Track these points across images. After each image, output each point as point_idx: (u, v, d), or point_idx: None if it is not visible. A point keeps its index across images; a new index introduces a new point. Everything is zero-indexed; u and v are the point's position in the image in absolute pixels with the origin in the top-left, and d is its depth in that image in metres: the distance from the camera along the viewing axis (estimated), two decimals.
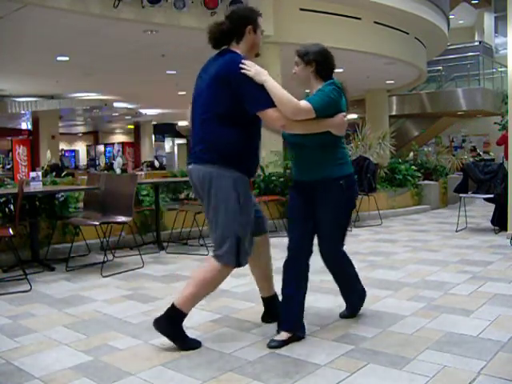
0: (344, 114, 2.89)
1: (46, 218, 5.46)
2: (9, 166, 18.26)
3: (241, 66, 2.71)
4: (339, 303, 3.61)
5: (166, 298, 3.84)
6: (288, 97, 2.72)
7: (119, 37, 8.46)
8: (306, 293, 2.99)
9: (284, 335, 2.89)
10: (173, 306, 2.84)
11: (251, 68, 2.71)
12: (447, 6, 12.52)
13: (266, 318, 3.23)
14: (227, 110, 2.78)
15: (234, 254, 2.81)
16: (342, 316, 3.34)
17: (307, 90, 3.08)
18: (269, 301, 3.23)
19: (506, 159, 10.29)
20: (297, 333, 2.93)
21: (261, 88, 2.71)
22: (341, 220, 3.01)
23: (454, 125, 19.29)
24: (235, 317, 3.38)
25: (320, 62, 2.95)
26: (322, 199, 2.95)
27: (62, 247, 5.52)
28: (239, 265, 2.85)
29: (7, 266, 4.87)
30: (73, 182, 7.64)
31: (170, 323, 2.85)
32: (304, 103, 2.77)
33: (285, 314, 2.96)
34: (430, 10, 10.81)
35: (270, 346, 2.84)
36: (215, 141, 2.80)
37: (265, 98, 2.72)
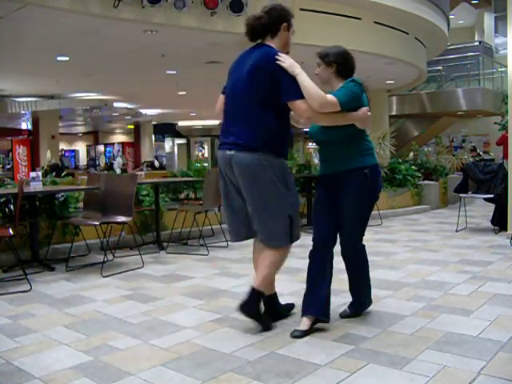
0: (367, 108, 3.04)
1: (46, 218, 5.46)
2: (9, 166, 18.26)
3: (276, 57, 2.91)
4: (339, 303, 3.61)
5: (166, 298, 3.85)
6: (317, 90, 2.86)
7: (119, 37, 8.46)
8: (331, 280, 3.12)
9: (306, 323, 3.01)
10: (254, 289, 3.02)
11: (286, 60, 2.91)
12: (447, 6, 12.52)
13: (265, 316, 3.22)
14: (269, 98, 2.94)
15: (288, 235, 3.02)
16: (343, 316, 3.34)
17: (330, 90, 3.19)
18: (269, 299, 3.25)
19: (506, 159, 10.29)
20: (321, 317, 3.03)
21: (293, 80, 2.89)
22: (362, 211, 3.11)
23: (453, 125, 19.29)
24: (235, 317, 3.38)
25: (340, 63, 3.12)
26: (345, 188, 3.06)
27: (62, 247, 5.52)
28: (292, 242, 3.07)
29: (7, 266, 4.87)
30: (73, 182, 7.64)
31: (254, 303, 3.03)
32: (330, 97, 2.91)
33: (309, 300, 3.07)
34: (430, 9, 10.81)
35: (293, 336, 2.96)
36: (260, 129, 2.96)
37: (295, 90, 2.88)
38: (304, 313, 3.05)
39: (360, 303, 3.35)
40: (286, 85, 2.90)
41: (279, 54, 2.94)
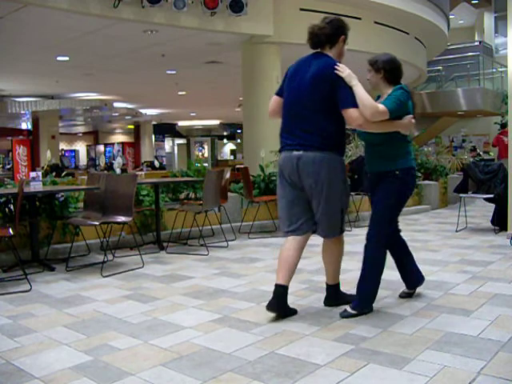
0: (411, 116, 3.30)
1: (46, 217, 5.46)
2: (9, 166, 18.25)
3: (336, 67, 3.18)
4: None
5: (166, 298, 3.85)
6: (370, 100, 3.13)
7: (119, 37, 8.47)
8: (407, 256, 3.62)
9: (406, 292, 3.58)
10: (328, 285, 3.58)
11: (344, 71, 3.17)
12: (447, 6, 12.52)
13: (327, 302, 3.62)
14: (329, 105, 3.22)
15: (339, 227, 3.39)
16: (403, 296, 3.73)
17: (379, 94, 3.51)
18: (330, 288, 3.62)
19: (501, 159, 10.31)
20: (365, 310, 3.37)
21: (349, 89, 3.15)
22: (388, 209, 3.37)
23: (453, 125, 19.29)
24: (235, 317, 3.38)
25: (388, 69, 3.36)
26: (379, 188, 3.38)
27: (62, 247, 5.52)
28: (342, 232, 3.42)
29: (7, 266, 4.87)
30: (73, 182, 7.64)
31: (339, 295, 3.58)
32: (382, 106, 3.15)
33: (403, 277, 3.61)
34: (430, 9, 10.82)
35: (342, 316, 3.31)
36: (324, 131, 3.25)
37: (350, 99, 3.15)
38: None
39: (412, 280, 3.71)
40: (342, 93, 3.17)
41: (338, 64, 3.20)
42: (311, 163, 3.23)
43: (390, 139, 3.32)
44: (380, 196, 3.37)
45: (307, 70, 3.30)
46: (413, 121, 3.29)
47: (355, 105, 3.13)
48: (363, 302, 3.39)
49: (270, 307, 3.31)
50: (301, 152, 3.26)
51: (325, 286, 3.67)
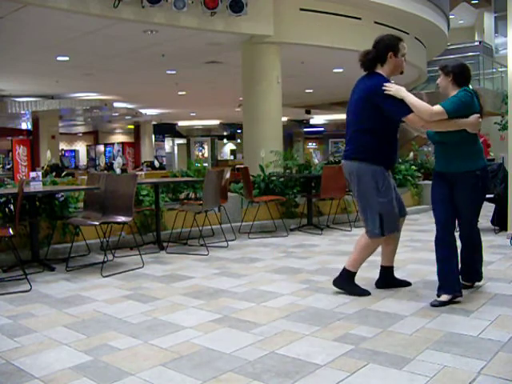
0: (477, 115, 3.49)
1: (46, 217, 5.46)
2: (9, 166, 18.25)
3: (383, 87, 3.54)
4: (339, 303, 3.62)
5: (166, 298, 3.85)
6: (423, 104, 3.48)
7: (119, 37, 8.47)
8: (458, 260, 3.64)
9: (445, 297, 3.53)
10: (344, 268, 3.85)
11: (392, 87, 3.54)
12: (447, 6, 12.52)
13: (379, 284, 3.99)
14: (369, 122, 3.67)
15: (378, 227, 3.71)
16: (471, 286, 3.87)
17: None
18: (385, 269, 3.99)
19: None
20: (456, 294, 3.53)
21: (400, 101, 3.51)
22: (476, 205, 3.66)
23: None
24: (235, 317, 3.38)
25: (456, 73, 3.60)
26: (460, 188, 3.58)
27: (62, 247, 5.52)
28: (383, 235, 3.74)
29: (7, 266, 4.87)
30: (73, 182, 7.63)
31: (345, 281, 3.85)
32: (437, 107, 3.45)
33: (443, 280, 3.59)
34: (430, 9, 10.82)
35: (432, 305, 3.49)
36: (359, 145, 3.73)
37: (406, 108, 3.50)
38: (442, 292, 3.57)
39: (478, 271, 3.88)
40: (396, 106, 3.53)
41: (385, 84, 3.56)
42: (346, 170, 3.84)
43: (463, 139, 3.54)
44: (468, 202, 3.62)
45: (358, 90, 3.77)
46: (479, 120, 3.51)
47: (410, 111, 3.49)
48: (480, 269, 3.86)
49: (336, 284, 3.91)
50: (343, 161, 3.88)
51: (324, 286, 3.76)
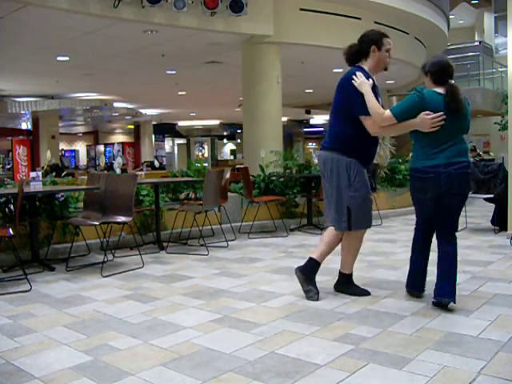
0: (426, 112, 3.33)
1: (46, 217, 5.46)
2: (9, 166, 18.24)
3: (353, 77, 3.50)
4: (339, 303, 3.62)
5: (166, 298, 3.85)
6: (376, 109, 3.43)
7: (119, 37, 8.47)
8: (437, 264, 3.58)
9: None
10: (341, 273, 3.88)
11: (358, 79, 3.48)
12: (447, 6, 12.52)
13: (336, 287, 3.95)
14: (343, 112, 3.61)
15: (346, 221, 3.63)
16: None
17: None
18: (340, 274, 3.95)
19: None
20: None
21: (362, 98, 3.44)
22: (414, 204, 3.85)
23: None
24: (235, 317, 3.38)
25: (433, 72, 3.47)
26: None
27: (62, 247, 5.52)
28: (350, 229, 3.65)
29: (7, 266, 4.87)
30: (73, 182, 7.63)
31: (346, 285, 3.87)
32: (386, 112, 3.43)
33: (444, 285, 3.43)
34: (430, 9, 10.82)
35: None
36: (336, 136, 3.68)
37: (363, 107, 3.46)
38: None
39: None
40: (355, 102, 3.51)
41: (356, 73, 3.51)
42: (322, 161, 3.76)
43: (415, 139, 3.57)
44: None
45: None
46: (426, 117, 3.34)
47: (368, 113, 3.45)
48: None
49: (338, 289, 3.92)
50: (321, 152, 3.79)
51: (324, 286, 3.77)
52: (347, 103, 3.57)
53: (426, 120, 3.34)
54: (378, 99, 3.52)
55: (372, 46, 3.67)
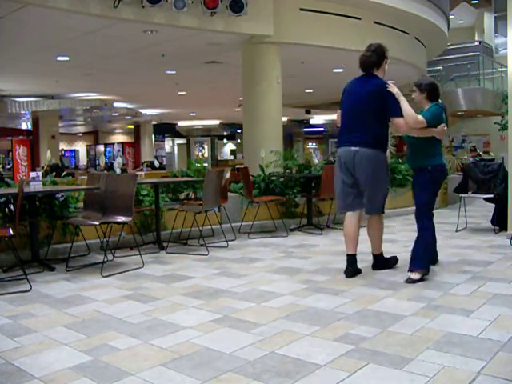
0: (444, 124, 4.30)
1: (46, 217, 5.46)
2: (9, 166, 18.24)
3: (387, 86, 4.26)
4: (339, 303, 3.62)
5: (166, 298, 3.85)
6: (412, 112, 4.18)
7: (119, 37, 8.47)
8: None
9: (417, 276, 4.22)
10: (374, 254, 4.63)
11: (394, 89, 4.26)
12: (447, 6, 12.52)
13: (375, 267, 4.62)
14: (382, 115, 4.30)
15: (383, 206, 4.53)
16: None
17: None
18: (375, 256, 4.65)
19: None
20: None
21: (397, 103, 4.21)
22: (426, 196, 4.43)
23: (454, 125, 19.28)
24: (235, 317, 3.38)
25: (429, 90, 4.39)
26: (416, 180, 4.50)
27: (62, 247, 5.52)
28: (383, 212, 4.57)
29: (7, 266, 4.87)
30: (73, 182, 7.63)
31: (382, 263, 4.64)
32: (420, 117, 4.22)
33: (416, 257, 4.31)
34: (430, 9, 10.82)
35: (407, 281, 4.16)
36: (375, 133, 4.32)
37: (398, 110, 4.20)
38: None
39: (420, 263, 4.32)
40: (393, 106, 4.22)
41: (389, 83, 4.29)
42: (365, 158, 4.28)
43: (427, 142, 4.32)
44: (417, 192, 4.47)
45: (363, 87, 4.35)
46: (445, 128, 4.31)
47: (401, 115, 4.17)
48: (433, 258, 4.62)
49: (348, 274, 4.38)
50: (357, 148, 4.29)
51: (324, 286, 3.75)
52: (384, 107, 4.26)
53: (444, 130, 4.32)
54: None
55: (385, 59, 4.43)
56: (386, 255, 4.76)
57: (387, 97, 4.23)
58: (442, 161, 4.45)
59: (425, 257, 4.31)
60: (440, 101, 4.45)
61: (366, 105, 4.30)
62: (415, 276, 4.18)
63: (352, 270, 4.39)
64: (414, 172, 4.58)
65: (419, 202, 4.47)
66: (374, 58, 4.36)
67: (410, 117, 4.15)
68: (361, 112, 4.32)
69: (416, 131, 4.27)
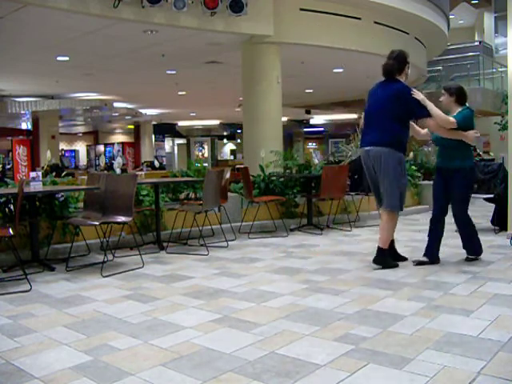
0: (475, 131, 4.66)
1: (46, 217, 5.46)
2: (9, 166, 18.25)
3: (412, 92, 4.56)
4: (339, 303, 3.62)
5: (166, 298, 3.85)
6: (442, 113, 4.53)
7: (119, 37, 8.47)
8: (442, 236, 4.87)
9: (424, 258, 4.79)
10: (379, 247, 4.67)
11: (419, 95, 4.57)
12: (447, 6, 12.52)
13: (374, 260, 4.70)
14: (400, 117, 4.58)
15: (399, 204, 4.66)
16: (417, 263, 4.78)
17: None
18: (379, 249, 4.72)
19: None
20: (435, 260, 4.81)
21: (420, 105, 4.53)
22: (466, 195, 4.81)
23: None
24: (235, 317, 3.38)
25: (458, 94, 4.78)
26: (454, 179, 4.69)
27: (62, 247, 5.52)
28: (401, 209, 4.72)
29: (7, 266, 4.87)
30: (73, 182, 7.63)
31: (381, 258, 4.68)
32: (451, 118, 4.57)
33: (427, 249, 4.83)
34: (430, 9, 10.82)
35: (415, 263, 4.75)
36: (389, 133, 4.56)
37: (425, 111, 4.53)
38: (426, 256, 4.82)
39: (473, 248, 4.92)
40: (417, 108, 4.54)
41: (413, 89, 4.60)
42: (377, 156, 4.57)
43: (459, 144, 4.66)
44: (457, 190, 4.71)
45: (385, 91, 4.64)
46: (477, 135, 4.66)
47: (430, 115, 4.51)
48: (475, 247, 4.93)
49: (376, 262, 4.67)
50: (370, 147, 4.62)
51: (324, 286, 3.79)
52: (405, 109, 4.54)
53: (476, 137, 4.67)
54: None
55: (407, 65, 4.74)
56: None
57: (409, 100, 4.51)
58: (473, 162, 4.92)
59: (478, 243, 4.91)
60: (467, 104, 4.79)
61: (385, 107, 4.57)
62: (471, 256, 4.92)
63: (378, 260, 4.68)
64: (446, 173, 4.74)
65: (460, 200, 4.75)
66: (396, 65, 4.66)
67: (442, 118, 4.50)
68: (379, 114, 4.61)
69: (446, 132, 4.60)
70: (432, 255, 4.83)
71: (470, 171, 4.78)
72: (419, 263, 4.77)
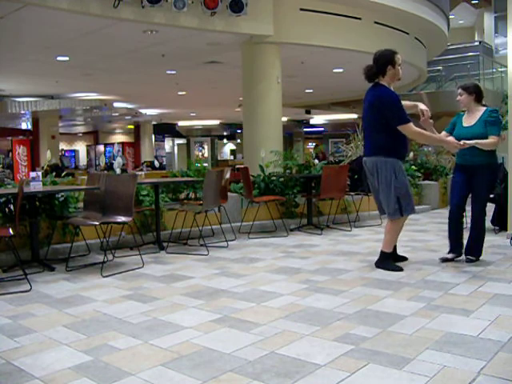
0: (498, 138, 4.70)
1: (45, 217, 5.46)
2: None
3: (391, 100, 4.42)
4: (339, 303, 3.62)
5: (166, 298, 3.85)
6: (483, 141, 4.62)
7: (119, 37, 8.47)
8: (462, 229, 4.99)
9: (451, 256, 4.90)
10: (381, 251, 4.69)
11: (422, 106, 4.65)
12: (447, 6, 12.51)
13: (376, 263, 4.74)
14: (379, 125, 4.46)
15: (398, 210, 4.51)
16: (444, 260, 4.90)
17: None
18: (381, 252, 4.74)
19: None
20: (458, 255, 4.92)
21: (397, 110, 4.39)
22: (489, 191, 4.90)
23: None
24: (235, 317, 3.38)
25: (477, 92, 4.73)
26: (482, 177, 4.72)
27: (62, 247, 5.52)
28: (402, 215, 4.55)
29: (7, 266, 4.87)
30: (73, 182, 7.63)
31: (383, 261, 4.67)
32: (492, 138, 4.66)
33: (451, 245, 4.94)
34: (430, 9, 10.81)
35: (441, 260, 4.90)
36: (376, 143, 4.54)
37: (400, 121, 4.38)
38: (450, 252, 4.94)
39: (477, 250, 4.90)
40: (391, 119, 4.39)
41: (399, 97, 4.48)
42: (369, 164, 4.58)
43: None
44: (480, 187, 4.77)
45: (366, 100, 4.57)
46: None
47: (405, 123, 4.38)
48: (479, 248, 4.91)
49: (378, 265, 4.71)
50: (365, 158, 4.64)
51: (324, 286, 3.80)
52: (382, 118, 4.40)
53: (455, 146, 4.65)
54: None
55: (388, 66, 4.43)
56: None
57: (383, 109, 4.38)
58: (496, 159, 4.97)
59: (482, 246, 4.91)
60: (485, 102, 4.83)
61: (367, 117, 4.58)
62: (473, 257, 4.90)
63: (379, 263, 4.69)
64: (470, 170, 4.74)
65: (481, 199, 4.82)
66: (375, 68, 4.48)
67: (487, 144, 4.61)
68: (365, 123, 4.64)
69: (421, 138, 4.66)
70: (456, 249, 4.94)
71: (495, 169, 4.87)
72: (445, 260, 4.89)
